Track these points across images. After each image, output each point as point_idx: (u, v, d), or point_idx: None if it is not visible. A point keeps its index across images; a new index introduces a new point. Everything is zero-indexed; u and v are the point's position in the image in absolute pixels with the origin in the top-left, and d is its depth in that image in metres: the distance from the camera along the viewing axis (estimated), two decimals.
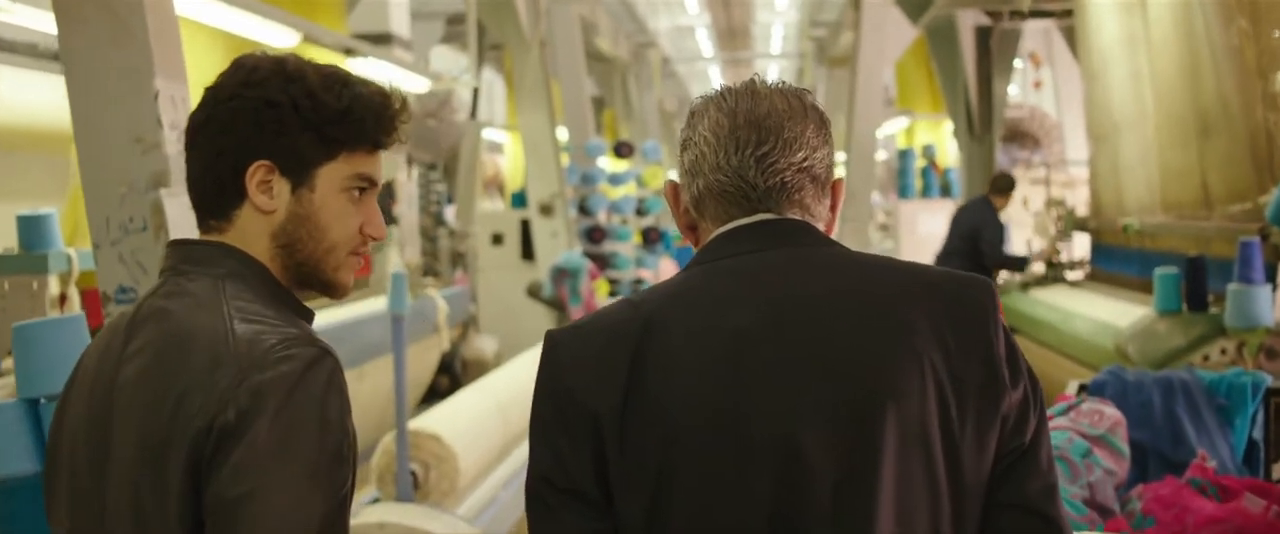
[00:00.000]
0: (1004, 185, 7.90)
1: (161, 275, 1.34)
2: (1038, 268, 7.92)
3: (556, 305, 8.20)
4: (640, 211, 10.97)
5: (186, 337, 1.23)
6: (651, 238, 11.04)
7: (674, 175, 1.42)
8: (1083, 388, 3.18)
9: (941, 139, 12.93)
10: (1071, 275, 7.31)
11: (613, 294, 10.65)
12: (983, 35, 8.55)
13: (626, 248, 11.36)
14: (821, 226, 1.35)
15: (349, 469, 1.24)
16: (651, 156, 10.89)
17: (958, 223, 8.03)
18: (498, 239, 9.57)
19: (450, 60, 12.61)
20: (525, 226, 9.24)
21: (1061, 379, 5.61)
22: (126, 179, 2.61)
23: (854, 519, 1.20)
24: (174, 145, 2.87)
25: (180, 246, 1.35)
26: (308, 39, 5.73)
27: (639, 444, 1.23)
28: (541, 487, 1.27)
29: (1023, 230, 9.48)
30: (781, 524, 1.21)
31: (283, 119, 1.29)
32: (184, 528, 1.18)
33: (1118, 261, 6.46)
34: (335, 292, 1.37)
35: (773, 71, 29.27)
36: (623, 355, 1.25)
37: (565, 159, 10.88)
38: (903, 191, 11.92)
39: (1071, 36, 8.56)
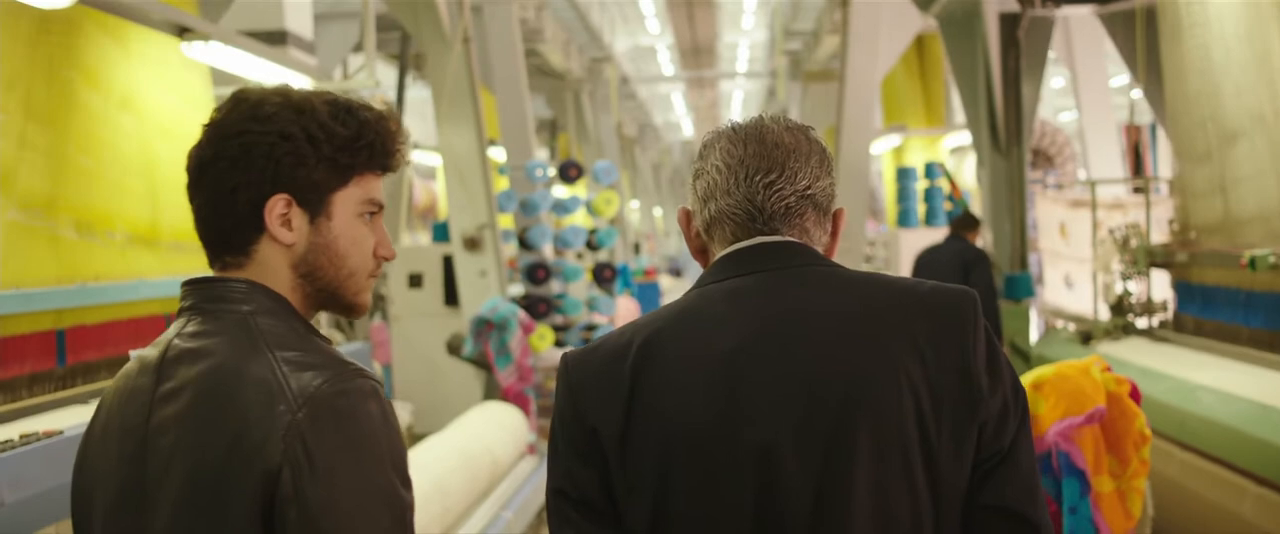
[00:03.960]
0: (970, 223, 7.49)
1: (181, 314, 1.35)
2: (1092, 311, 6.28)
3: (481, 364, 6.43)
4: (592, 245, 9.22)
5: (231, 375, 1.24)
6: (606, 276, 9.29)
7: (686, 204, 1.51)
8: None
9: (939, 158, 11.33)
10: (1142, 323, 5.65)
11: (559, 344, 8.90)
12: (1009, 25, 6.93)
13: (577, 288, 9.60)
14: (820, 250, 1.45)
15: (410, 488, 1.27)
16: (604, 179, 9.15)
17: (944, 260, 6.77)
18: (415, 280, 7.81)
19: (382, 76, 10.86)
20: (448, 264, 7.48)
21: (1206, 494, 3.94)
22: None
23: (831, 525, 1.29)
24: None
25: (200, 285, 1.35)
26: (97, 3, 3.98)
27: (639, 457, 1.34)
28: (556, 498, 1.39)
29: (1060, 263, 7.85)
30: (764, 530, 1.30)
31: (298, 152, 1.30)
32: None
33: (1225, 308, 4.79)
34: (356, 313, 1.39)
35: (738, 93, 27.74)
36: (622, 375, 1.35)
37: (503, 183, 9.16)
38: (903, 218, 10.28)
39: (1115, 26, 6.95)
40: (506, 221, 9.31)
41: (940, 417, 1.30)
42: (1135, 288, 5.57)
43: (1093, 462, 2.84)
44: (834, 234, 1.46)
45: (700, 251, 1.47)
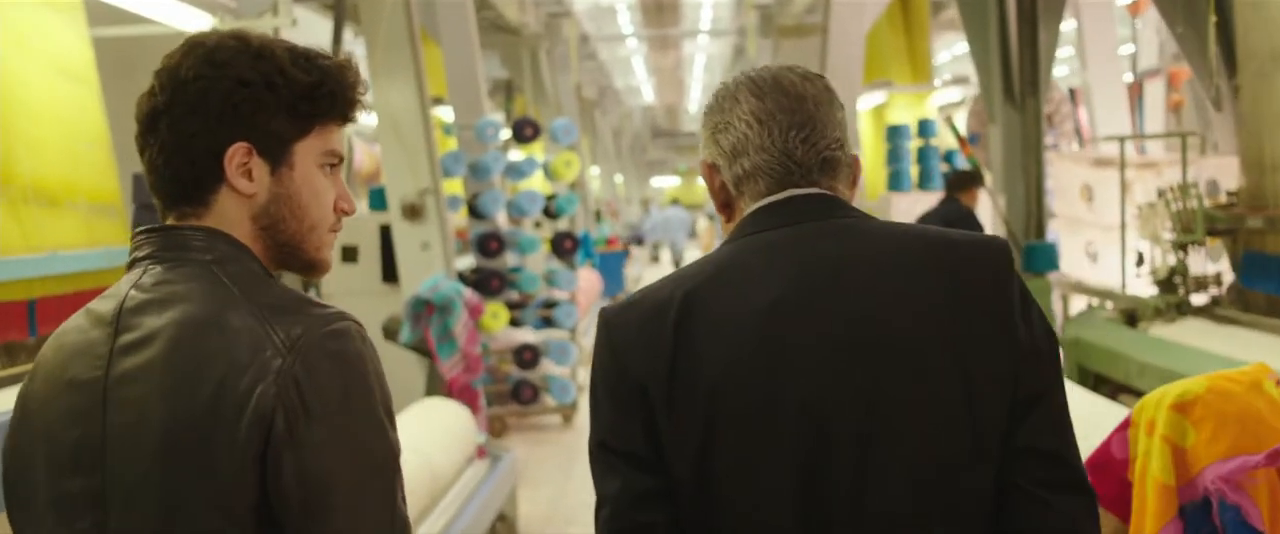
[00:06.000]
0: (967, 180, 6.64)
1: (135, 265, 1.30)
2: (1120, 286, 5.47)
3: (422, 352, 5.53)
4: (551, 213, 8.31)
5: (209, 322, 1.21)
6: (566, 247, 8.40)
7: (705, 157, 1.50)
8: None
9: (926, 116, 10.49)
10: (1197, 299, 4.83)
11: (515, 323, 8.01)
12: None
13: (534, 261, 8.71)
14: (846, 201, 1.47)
15: (396, 429, 1.26)
16: (563, 140, 8.24)
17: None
18: (349, 254, 6.87)
19: (316, 27, 9.82)
20: (386, 236, 6.56)
21: None
22: None
23: (878, 476, 1.31)
24: None
25: (158, 233, 1.30)
26: None
27: (684, 409, 1.34)
28: (600, 450, 1.40)
29: (1082, 231, 7.04)
30: (810, 481, 1.32)
31: (258, 98, 1.27)
32: (235, 511, 1.19)
33: None
34: (318, 271, 1.36)
35: (701, 57, 26.80)
36: (666, 329, 1.36)
37: (450, 144, 8.21)
38: (894, 181, 9.42)
39: None
40: (454, 187, 8.38)
41: (981, 363, 1.32)
42: (1194, 258, 4.75)
43: (1269, 519, 2.00)
44: (852, 183, 1.45)
45: (725, 206, 1.47)
